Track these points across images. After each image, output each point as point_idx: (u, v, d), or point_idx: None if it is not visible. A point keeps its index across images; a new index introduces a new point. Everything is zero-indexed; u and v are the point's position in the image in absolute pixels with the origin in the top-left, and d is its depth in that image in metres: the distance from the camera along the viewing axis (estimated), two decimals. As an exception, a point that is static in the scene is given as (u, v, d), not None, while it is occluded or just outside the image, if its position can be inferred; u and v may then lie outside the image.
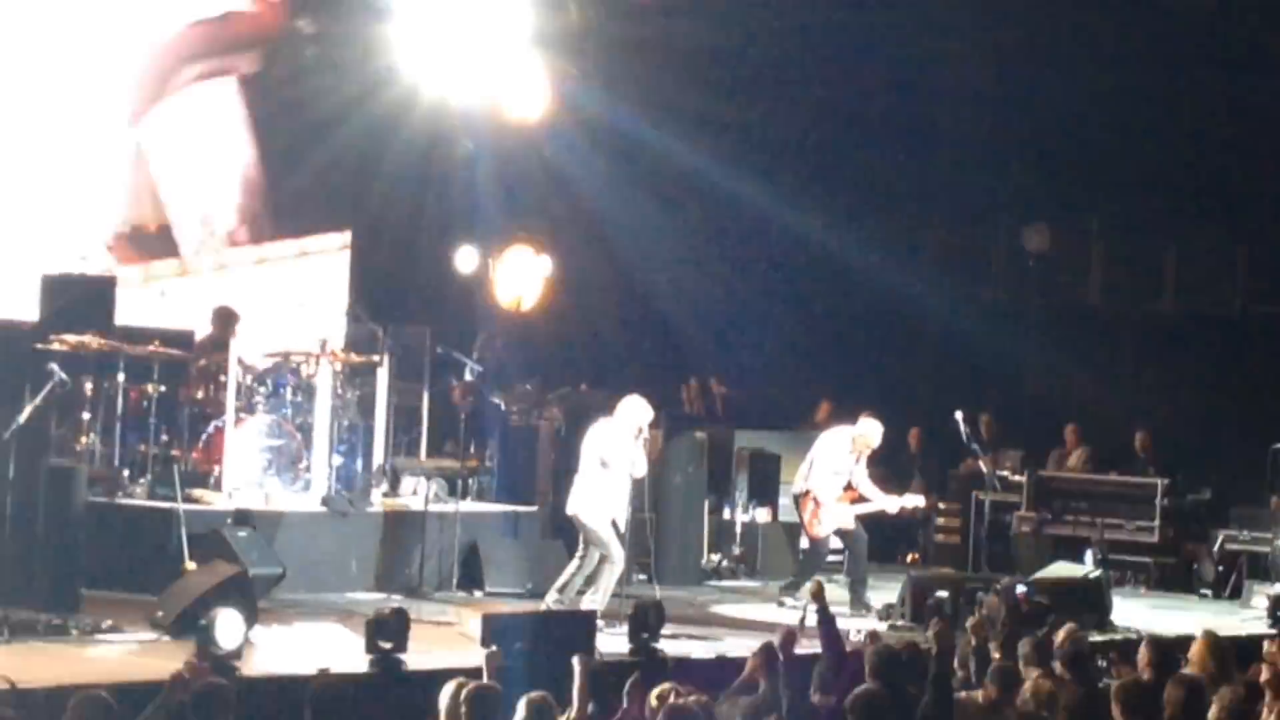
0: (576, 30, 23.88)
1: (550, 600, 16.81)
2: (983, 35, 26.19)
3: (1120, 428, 23.05)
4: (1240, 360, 24.71)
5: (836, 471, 19.13)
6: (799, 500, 19.52)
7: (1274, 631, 16.80)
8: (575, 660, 11.95)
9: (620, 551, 16.79)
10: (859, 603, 18.70)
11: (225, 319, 18.81)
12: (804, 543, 19.77)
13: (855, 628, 15.84)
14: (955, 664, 13.19)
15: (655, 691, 11.49)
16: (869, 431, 19.13)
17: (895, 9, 25.49)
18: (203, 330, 19.22)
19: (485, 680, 11.45)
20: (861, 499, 19.16)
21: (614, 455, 16.88)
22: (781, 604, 18.53)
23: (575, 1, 23.53)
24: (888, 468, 20.95)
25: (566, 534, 17.55)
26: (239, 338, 18.52)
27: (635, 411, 16.99)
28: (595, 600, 16.60)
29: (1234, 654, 13.82)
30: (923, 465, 23.13)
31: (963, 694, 12.60)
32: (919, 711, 11.80)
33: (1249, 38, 24.45)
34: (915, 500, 19.56)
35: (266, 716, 11.05)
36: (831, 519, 19.11)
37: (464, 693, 9.95)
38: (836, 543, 19.36)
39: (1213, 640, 13.97)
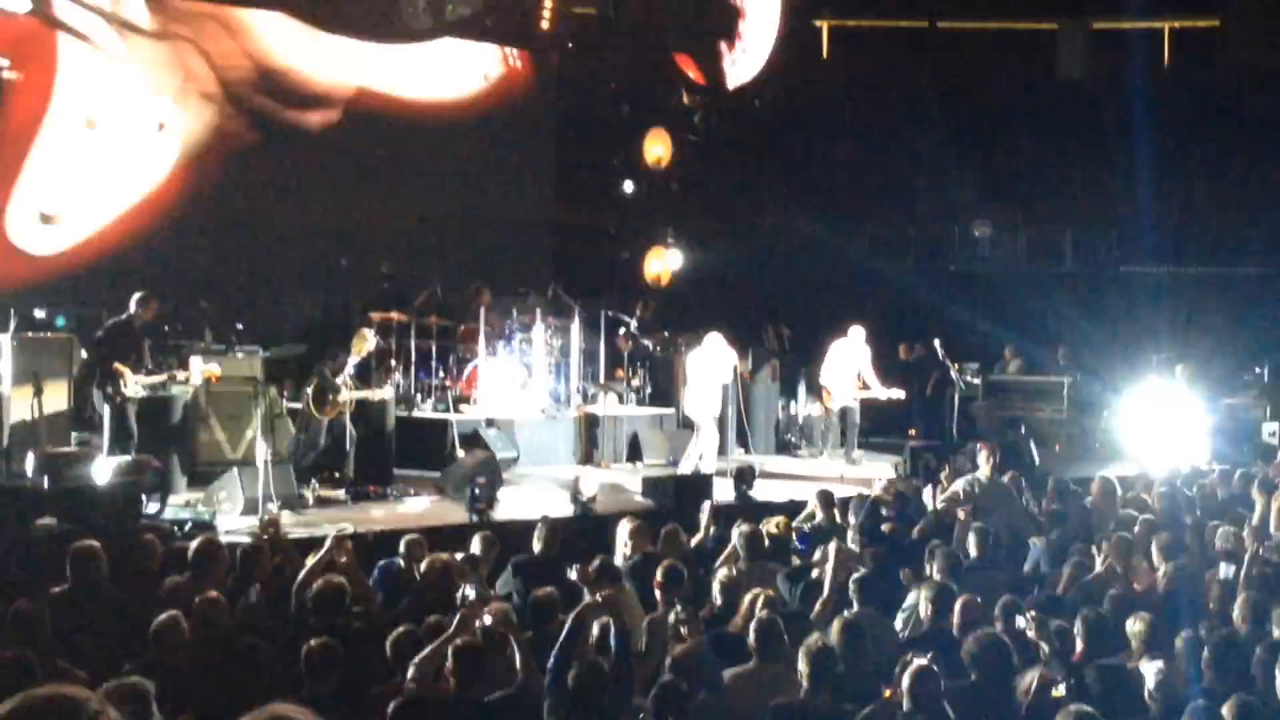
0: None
1: (682, 467, 17.06)
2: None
3: (1047, 346, 22.87)
4: (1116, 305, 24.54)
5: (844, 368, 19.45)
6: (823, 389, 19.93)
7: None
8: (706, 504, 12.12)
9: (714, 431, 17.10)
10: (850, 461, 18.98)
11: (477, 293, 18.96)
12: (830, 411, 20.05)
13: (877, 477, 15.91)
14: (939, 495, 13.31)
15: (772, 522, 11.63)
16: (857, 340, 19.52)
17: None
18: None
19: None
20: (864, 386, 19.48)
21: (705, 371, 17.15)
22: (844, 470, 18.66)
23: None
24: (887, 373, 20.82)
25: (692, 426, 17.72)
26: (486, 305, 18.64)
27: (714, 341, 17.27)
28: (704, 464, 16.83)
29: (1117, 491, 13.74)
30: (913, 372, 22.83)
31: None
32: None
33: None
34: (896, 394, 19.67)
35: (511, 544, 11.13)
36: (838, 400, 19.59)
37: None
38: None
39: (1107, 482, 13.80)
